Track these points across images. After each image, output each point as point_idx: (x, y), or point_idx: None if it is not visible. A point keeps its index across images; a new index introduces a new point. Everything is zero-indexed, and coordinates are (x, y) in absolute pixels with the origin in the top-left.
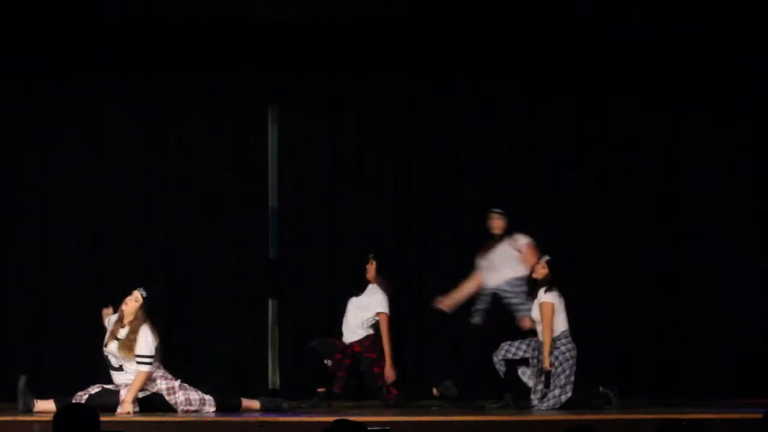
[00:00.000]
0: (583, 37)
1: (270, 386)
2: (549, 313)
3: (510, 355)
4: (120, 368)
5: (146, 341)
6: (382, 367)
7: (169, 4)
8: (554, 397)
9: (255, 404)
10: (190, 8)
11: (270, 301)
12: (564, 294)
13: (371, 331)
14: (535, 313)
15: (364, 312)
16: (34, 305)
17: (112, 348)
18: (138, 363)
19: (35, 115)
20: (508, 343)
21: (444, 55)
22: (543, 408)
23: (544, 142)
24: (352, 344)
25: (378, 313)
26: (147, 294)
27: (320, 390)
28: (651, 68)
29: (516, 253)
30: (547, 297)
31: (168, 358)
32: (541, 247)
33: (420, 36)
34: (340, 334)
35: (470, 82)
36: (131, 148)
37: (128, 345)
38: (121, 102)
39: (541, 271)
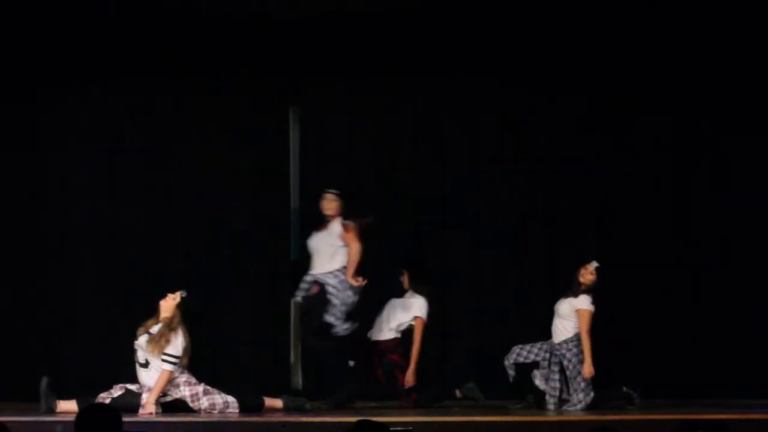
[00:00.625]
0: (587, 35)
1: (292, 387)
2: (588, 320)
3: (521, 359)
4: (145, 365)
5: (175, 342)
6: (403, 372)
7: (190, 5)
8: (579, 401)
9: (278, 403)
10: (211, 10)
11: (292, 302)
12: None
13: (399, 335)
14: (564, 310)
15: (402, 314)
16: (55, 306)
17: (141, 341)
18: (163, 361)
19: (59, 114)
20: (520, 346)
21: (467, 54)
22: (570, 411)
23: (561, 142)
24: (378, 342)
25: (416, 317)
26: (186, 297)
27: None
28: (656, 65)
29: (338, 240)
30: (586, 304)
31: (191, 359)
32: (562, 244)
33: (442, 35)
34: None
35: (491, 82)
36: (152, 149)
37: (158, 341)
38: (141, 102)
39: (589, 277)
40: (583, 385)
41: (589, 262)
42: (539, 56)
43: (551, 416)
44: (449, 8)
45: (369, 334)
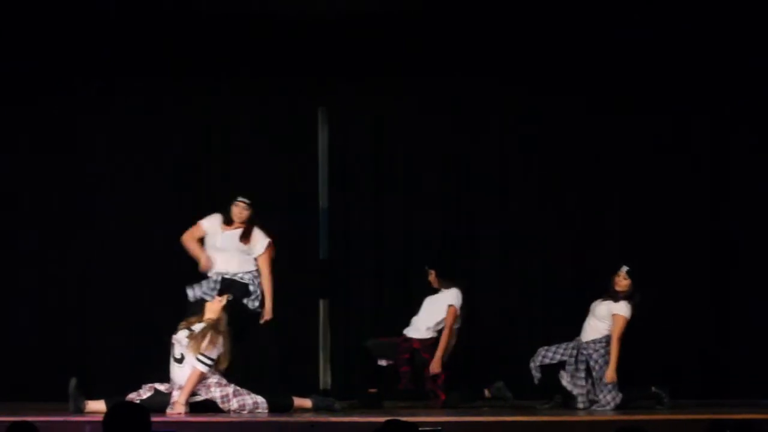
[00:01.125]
0: (593, 34)
1: (321, 386)
2: (622, 326)
3: (547, 360)
4: (180, 360)
5: (216, 344)
6: (439, 375)
7: (219, 5)
8: (608, 402)
9: (307, 403)
10: (241, 9)
11: (320, 302)
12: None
13: (436, 335)
14: (600, 311)
15: (438, 312)
16: (83, 307)
17: (181, 336)
18: (198, 360)
19: (93, 113)
20: (545, 348)
21: (498, 54)
22: (599, 411)
23: (590, 143)
24: (412, 340)
25: (449, 306)
26: (232, 301)
27: (371, 390)
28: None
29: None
30: (624, 311)
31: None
32: (589, 244)
33: (473, 34)
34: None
35: (522, 83)
36: (180, 149)
37: (199, 340)
38: (170, 102)
39: (624, 283)
40: (609, 386)
41: (619, 267)
42: (561, 57)
43: (580, 416)
44: (480, 7)
45: (405, 332)
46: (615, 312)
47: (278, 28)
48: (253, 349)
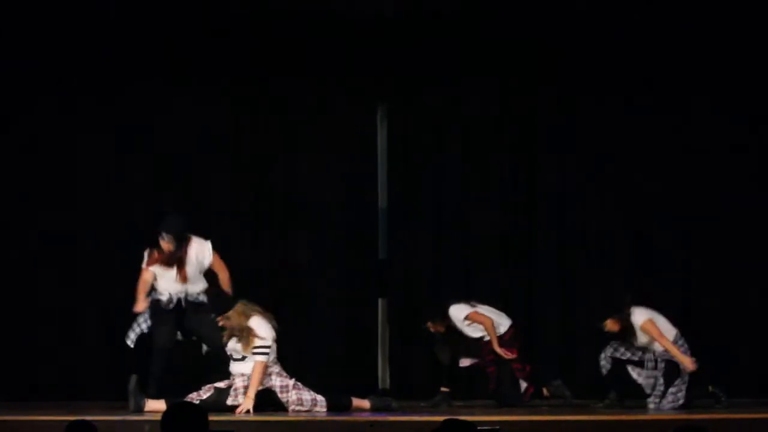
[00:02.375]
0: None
1: (380, 386)
2: (655, 329)
3: (618, 354)
4: (243, 359)
5: (259, 332)
6: (524, 369)
7: (279, 4)
8: (672, 394)
9: (365, 404)
10: (299, 7)
11: (380, 301)
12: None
13: (509, 327)
14: (643, 339)
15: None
16: None
17: (232, 345)
18: (254, 353)
19: (143, 114)
20: (618, 342)
21: (556, 53)
22: (666, 408)
23: (645, 147)
24: (490, 341)
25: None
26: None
27: (443, 389)
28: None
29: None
30: (641, 318)
31: (278, 358)
32: (647, 243)
33: (534, 37)
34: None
35: (578, 84)
36: (238, 148)
37: (246, 339)
38: (230, 102)
39: (615, 327)
40: (678, 381)
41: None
42: (630, 59)
43: (639, 416)
44: (538, 10)
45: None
46: (639, 325)
47: (338, 27)
48: (312, 347)
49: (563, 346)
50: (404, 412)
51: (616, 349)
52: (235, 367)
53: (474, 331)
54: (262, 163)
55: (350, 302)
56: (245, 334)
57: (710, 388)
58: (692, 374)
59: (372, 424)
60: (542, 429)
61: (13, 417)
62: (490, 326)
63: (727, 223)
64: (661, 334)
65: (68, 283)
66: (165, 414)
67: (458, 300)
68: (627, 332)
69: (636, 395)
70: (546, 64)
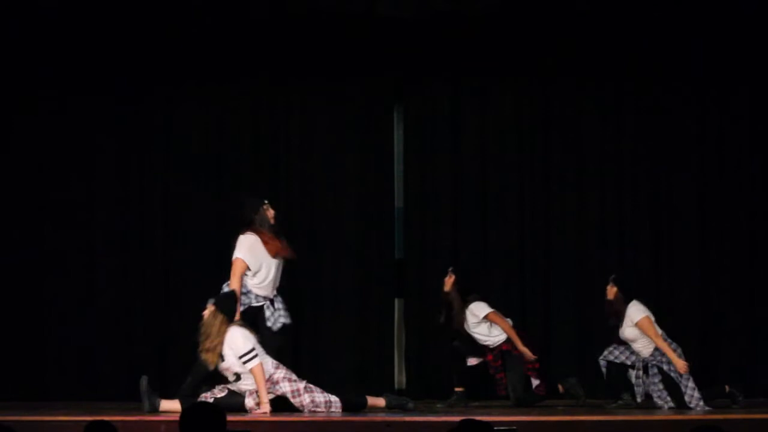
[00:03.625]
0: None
1: (396, 386)
2: (650, 326)
3: (612, 358)
4: (238, 378)
5: (238, 341)
6: (535, 368)
7: (297, 5)
8: (691, 398)
9: (380, 402)
10: (316, 8)
11: (396, 301)
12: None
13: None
14: (630, 334)
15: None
16: (159, 307)
17: (222, 366)
18: (244, 363)
19: (152, 113)
20: (614, 345)
21: (571, 54)
22: (699, 409)
23: (668, 145)
24: (499, 345)
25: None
26: (218, 299)
27: (458, 389)
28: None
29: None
30: (638, 314)
31: (295, 358)
32: (665, 242)
33: (548, 35)
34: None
35: (595, 83)
36: (256, 148)
37: (209, 348)
38: (246, 101)
39: (612, 291)
40: (691, 384)
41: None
42: (639, 55)
43: (656, 416)
44: (554, 8)
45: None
46: (635, 321)
47: (355, 27)
48: (328, 347)
49: (579, 345)
50: (421, 412)
51: (610, 352)
52: (241, 387)
53: (480, 331)
54: (279, 162)
55: (366, 302)
56: (215, 345)
57: (727, 388)
58: (707, 374)
59: (389, 424)
60: (558, 429)
61: (32, 417)
62: (509, 328)
63: (746, 222)
64: (657, 334)
65: (84, 284)
66: (183, 414)
67: (482, 299)
68: (617, 313)
69: (649, 395)
70: (562, 63)
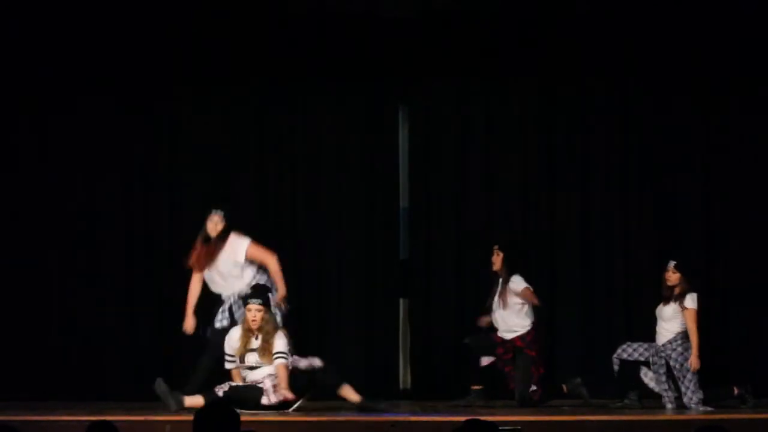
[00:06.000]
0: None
1: (401, 386)
2: (695, 318)
3: (626, 356)
4: (255, 367)
5: (282, 340)
6: (538, 371)
7: (299, 5)
8: (696, 402)
9: (355, 397)
10: (320, 8)
11: (401, 301)
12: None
13: (530, 326)
14: (667, 313)
15: (517, 302)
16: (163, 307)
17: (250, 360)
18: (277, 359)
19: (154, 114)
20: (627, 343)
21: (575, 53)
22: (695, 406)
23: (668, 145)
24: (513, 339)
25: (524, 288)
26: (258, 297)
27: (475, 387)
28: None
29: (242, 260)
30: (691, 303)
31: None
32: (670, 243)
33: (551, 34)
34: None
35: (599, 83)
36: (261, 150)
37: (266, 348)
38: (250, 102)
39: (674, 277)
40: (692, 383)
41: (666, 263)
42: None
43: (660, 416)
44: (558, 10)
45: (500, 334)
46: (685, 307)
47: (359, 28)
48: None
49: (583, 345)
50: (427, 413)
51: (624, 350)
52: (252, 376)
53: (511, 310)
54: (284, 164)
55: (371, 302)
56: (266, 344)
57: (736, 390)
58: (717, 374)
59: (393, 423)
60: (563, 429)
61: (35, 417)
62: (534, 298)
63: (754, 226)
64: (695, 330)
65: (88, 285)
66: (197, 414)
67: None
68: (678, 294)
69: (655, 395)
70: (566, 65)
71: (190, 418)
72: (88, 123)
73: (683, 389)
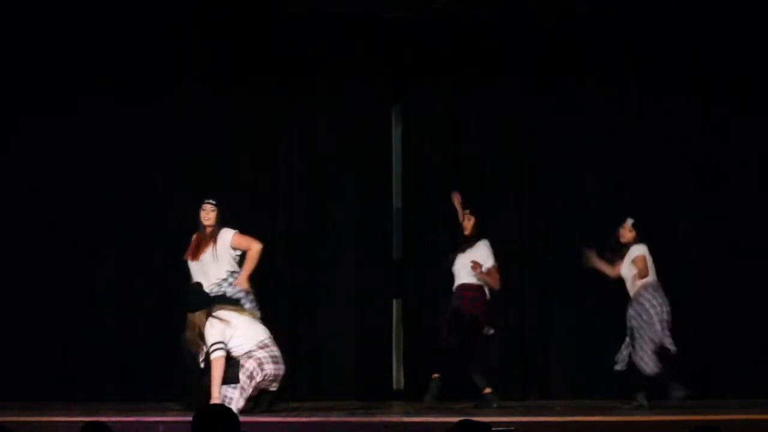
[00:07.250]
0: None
1: (394, 386)
2: (643, 264)
3: (621, 358)
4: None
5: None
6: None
7: (297, 5)
8: (640, 360)
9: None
10: (315, 7)
11: (394, 301)
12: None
13: (480, 282)
14: (626, 271)
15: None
16: (160, 308)
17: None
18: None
19: (152, 113)
20: (618, 351)
21: (572, 54)
22: (618, 368)
23: (658, 143)
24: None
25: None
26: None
27: (486, 391)
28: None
29: (229, 250)
30: (640, 251)
31: (292, 359)
32: (666, 239)
33: (548, 35)
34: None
35: (594, 84)
36: (255, 147)
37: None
38: (246, 101)
39: (628, 235)
40: (649, 352)
41: (624, 220)
42: (650, 58)
43: (653, 416)
44: (557, 9)
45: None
46: (634, 256)
47: (353, 27)
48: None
49: (577, 345)
50: (420, 414)
51: (618, 353)
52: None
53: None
54: (278, 162)
55: (364, 302)
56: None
57: (674, 386)
58: (703, 374)
59: (386, 424)
60: (556, 429)
61: (29, 418)
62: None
63: (749, 220)
64: (644, 275)
65: (85, 284)
66: (196, 416)
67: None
68: (622, 246)
69: (659, 395)
70: (561, 63)
71: (183, 418)
72: (88, 123)
73: (637, 348)
